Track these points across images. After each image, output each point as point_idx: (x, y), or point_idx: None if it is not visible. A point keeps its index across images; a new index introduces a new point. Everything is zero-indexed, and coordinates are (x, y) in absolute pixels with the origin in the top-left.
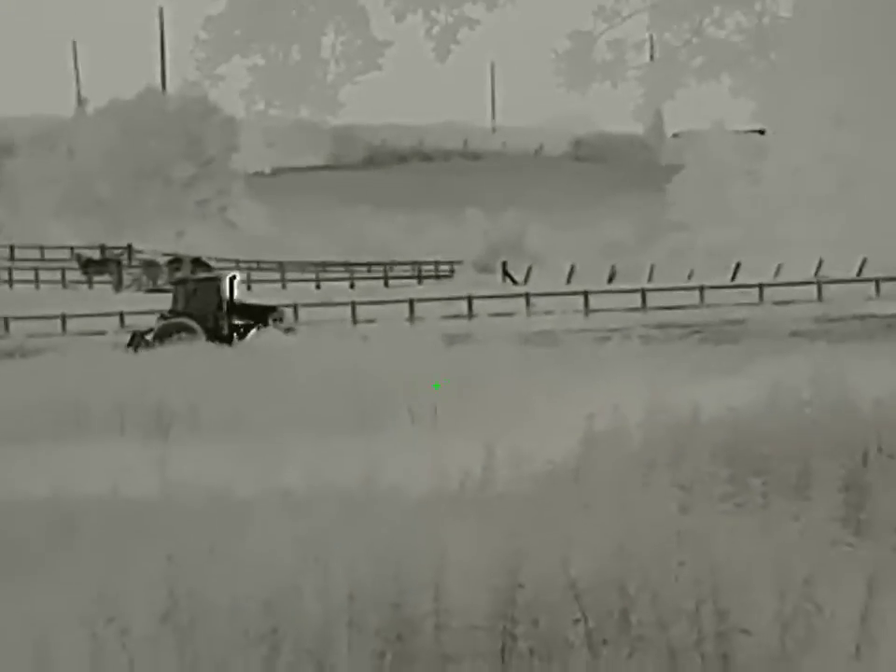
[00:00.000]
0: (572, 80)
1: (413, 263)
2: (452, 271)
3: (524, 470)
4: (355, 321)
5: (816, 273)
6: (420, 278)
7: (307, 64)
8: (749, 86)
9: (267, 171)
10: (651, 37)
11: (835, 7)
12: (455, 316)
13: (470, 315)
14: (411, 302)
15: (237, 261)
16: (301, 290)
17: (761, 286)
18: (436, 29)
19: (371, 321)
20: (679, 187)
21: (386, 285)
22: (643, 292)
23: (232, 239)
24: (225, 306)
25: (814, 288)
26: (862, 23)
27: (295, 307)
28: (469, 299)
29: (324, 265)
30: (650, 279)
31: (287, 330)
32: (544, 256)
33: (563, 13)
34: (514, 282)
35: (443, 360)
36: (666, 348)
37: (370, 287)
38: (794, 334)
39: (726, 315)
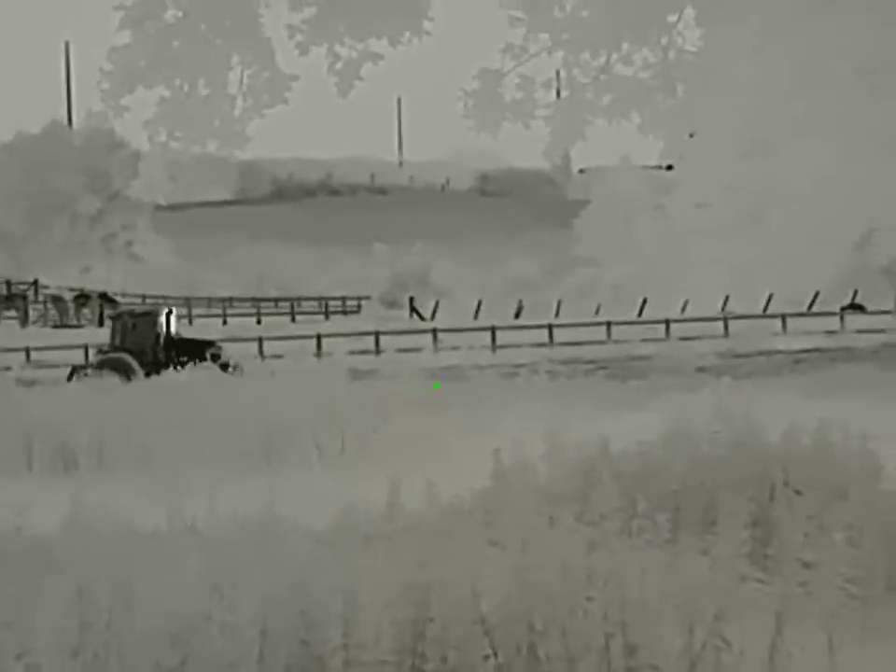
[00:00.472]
0: (482, 122)
1: (320, 299)
2: (359, 306)
3: (432, 504)
4: (262, 356)
5: (722, 309)
6: (327, 314)
7: (213, 98)
8: (657, 124)
9: (163, 203)
10: (559, 74)
11: (741, 37)
12: (363, 352)
13: (378, 350)
14: (318, 338)
15: (143, 296)
16: (207, 326)
17: (667, 321)
18: (339, 64)
19: (278, 356)
20: (585, 222)
21: (293, 320)
22: (550, 327)
23: (139, 274)
24: (163, 341)
25: (720, 324)
26: (769, 52)
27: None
28: (377, 334)
29: (230, 300)
30: (557, 314)
31: (226, 367)
32: (451, 291)
33: (469, 48)
34: (422, 318)
35: (350, 395)
36: (574, 383)
37: (277, 323)
38: (701, 370)
39: (633, 351)
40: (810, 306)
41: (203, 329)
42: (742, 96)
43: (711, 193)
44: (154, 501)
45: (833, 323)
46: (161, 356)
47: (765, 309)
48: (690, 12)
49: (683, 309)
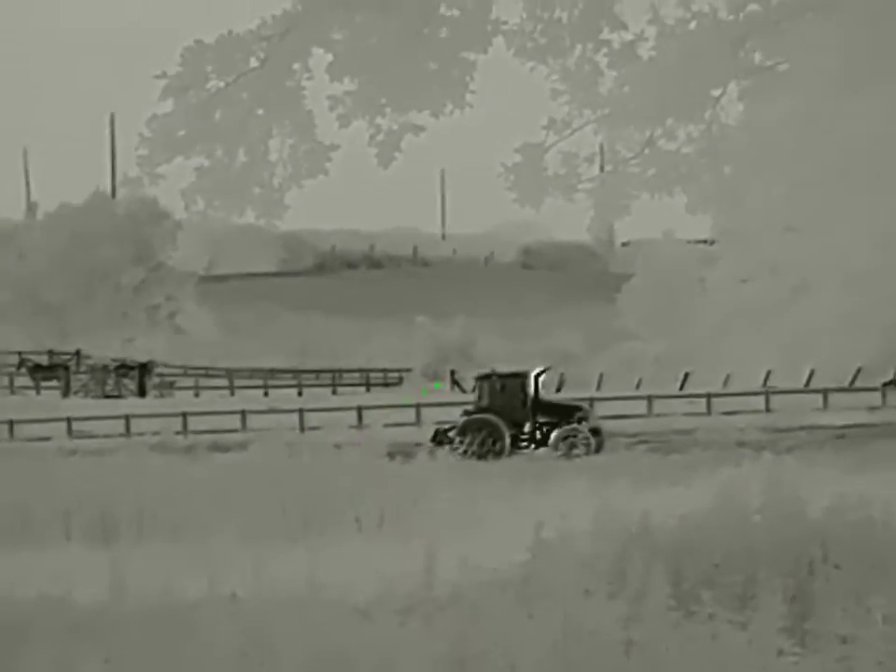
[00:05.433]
0: (525, 196)
1: (362, 371)
2: (401, 378)
3: (470, 577)
4: (302, 428)
5: (764, 384)
6: (368, 385)
7: (253, 166)
8: (704, 203)
9: (204, 273)
10: (602, 148)
11: (782, 112)
12: (403, 424)
13: (419, 422)
14: (359, 410)
15: (185, 367)
16: (248, 397)
17: (709, 395)
18: (380, 136)
19: (317, 428)
20: (628, 295)
21: (335, 392)
22: (591, 401)
23: (181, 345)
24: (530, 403)
25: (762, 399)
26: (809, 128)
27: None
28: (418, 406)
29: (272, 372)
30: (598, 387)
31: (597, 432)
32: (493, 364)
33: (512, 122)
34: (463, 390)
35: (391, 467)
36: (614, 457)
37: (317, 394)
38: (742, 444)
39: (674, 425)
40: (852, 382)
41: (244, 399)
42: (783, 171)
43: (754, 269)
44: (194, 571)
45: (876, 399)
46: (529, 419)
47: (807, 384)
48: (733, 87)
49: (725, 383)
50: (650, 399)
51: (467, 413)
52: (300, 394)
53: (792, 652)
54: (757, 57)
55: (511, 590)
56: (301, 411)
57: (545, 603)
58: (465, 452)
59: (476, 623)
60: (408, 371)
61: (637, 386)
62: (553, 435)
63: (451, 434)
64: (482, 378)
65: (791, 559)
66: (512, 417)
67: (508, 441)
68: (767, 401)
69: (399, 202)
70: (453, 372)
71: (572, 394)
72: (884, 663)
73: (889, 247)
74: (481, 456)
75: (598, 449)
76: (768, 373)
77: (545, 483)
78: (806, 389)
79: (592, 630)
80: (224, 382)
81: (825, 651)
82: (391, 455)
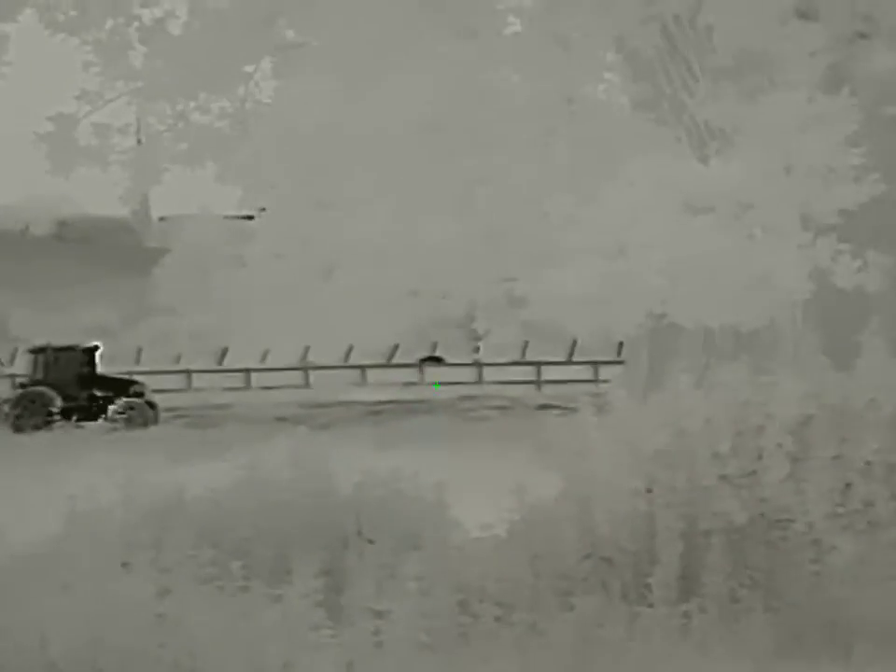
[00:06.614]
0: (56, 165)
1: None
2: None
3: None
4: None
5: (303, 359)
6: None
7: None
8: (232, 173)
9: None
10: (138, 121)
11: (317, 91)
12: None
13: None
14: None
15: None
16: None
17: (248, 370)
18: None
19: None
20: (165, 270)
21: None
22: (129, 375)
23: None
24: (86, 376)
25: (301, 374)
26: (343, 107)
27: None
28: None
29: None
30: (137, 362)
31: (152, 405)
32: (28, 337)
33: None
34: (0, 363)
35: None
36: (153, 431)
37: None
38: (280, 419)
39: (213, 400)
40: (390, 358)
41: None
42: (316, 149)
43: (288, 244)
44: None
45: (413, 375)
46: (84, 391)
47: (345, 360)
48: (267, 64)
49: (263, 358)
50: (188, 373)
51: (22, 385)
52: None
53: (327, 626)
54: (290, 34)
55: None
56: None
57: (77, 576)
58: (14, 425)
59: (6, 596)
60: None
61: (177, 361)
62: (111, 408)
63: (3, 407)
64: (35, 351)
65: (325, 533)
66: (67, 391)
67: (62, 414)
68: (307, 377)
69: None
70: None
71: (110, 368)
72: (417, 637)
73: (443, 221)
74: (18, 429)
75: (156, 421)
76: (307, 349)
77: (79, 457)
78: (345, 365)
79: (125, 604)
80: None
81: (359, 625)
82: None
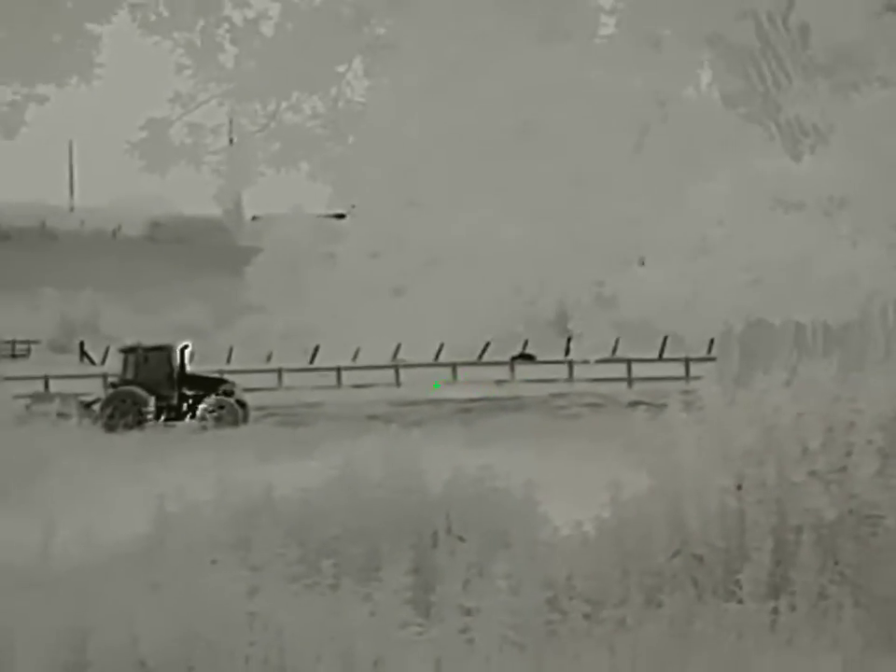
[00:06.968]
0: (150, 164)
1: None
2: (28, 350)
3: (92, 549)
4: None
5: (394, 357)
6: None
7: None
8: (325, 171)
9: None
10: (231, 122)
11: (407, 90)
12: (30, 396)
13: (47, 391)
14: None
15: None
16: None
17: (339, 369)
18: (3, 107)
19: None
20: (257, 269)
21: None
22: (221, 374)
23: None
24: (175, 376)
25: (392, 372)
26: (432, 106)
27: None
28: (46, 378)
29: None
30: (228, 361)
31: (243, 404)
32: (120, 337)
33: (138, 92)
34: (93, 362)
35: (15, 441)
36: (244, 431)
37: None
38: (371, 417)
39: (304, 398)
40: (481, 356)
41: None
42: (408, 148)
43: (382, 243)
44: None
45: (504, 373)
46: (174, 391)
47: (437, 358)
48: (359, 64)
49: (355, 357)
50: (280, 372)
51: (113, 385)
52: None
53: (416, 623)
54: (382, 33)
55: (133, 561)
56: None
57: (168, 574)
58: (106, 425)
59: (97, 596)
60: (35, 342)
61: (268, 360)
62: (201, 407)
63: (94, 407)
64: (126, 350)
65: (415, 531)
66: (158, 390)
67: (153, 413)
68: (397, 375)
69: (25, 173)
70: (82, 344)
71: (201, 368)
72: (506, 635)
73: (535, 221)
74: (110, 428)
75: (245, 420)
76: (398, 347)
77: (172, 456)
78: (435, 363)
79: (215, 601)
80: None
81: (448, 622)
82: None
